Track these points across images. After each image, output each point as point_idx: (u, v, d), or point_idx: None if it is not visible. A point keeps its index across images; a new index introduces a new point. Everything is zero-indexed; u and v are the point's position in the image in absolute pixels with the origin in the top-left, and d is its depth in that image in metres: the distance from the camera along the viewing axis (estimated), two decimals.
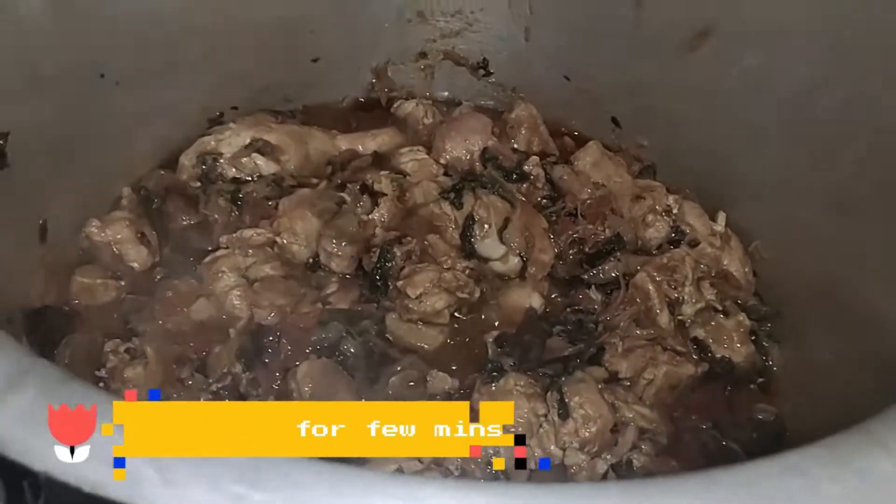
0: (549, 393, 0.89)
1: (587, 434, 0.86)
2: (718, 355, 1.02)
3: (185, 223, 1.09)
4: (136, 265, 1.03)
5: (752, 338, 1.04)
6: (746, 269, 1.10)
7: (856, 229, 0.93)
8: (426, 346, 0.99)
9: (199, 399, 0.90)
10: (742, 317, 1.04)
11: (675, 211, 1.12)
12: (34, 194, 0.93)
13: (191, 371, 0.92)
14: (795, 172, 1.03)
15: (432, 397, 0.91)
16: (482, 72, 1.32)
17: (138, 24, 1.03)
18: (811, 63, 0.97)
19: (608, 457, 0.86)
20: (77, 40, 0.95)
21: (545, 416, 0.88)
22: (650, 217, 1.11)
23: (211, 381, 0.91)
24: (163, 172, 1.13)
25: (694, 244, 1.10)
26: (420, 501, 0.36)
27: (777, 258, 1.08)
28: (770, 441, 0.94)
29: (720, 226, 1.12)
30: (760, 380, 1.01)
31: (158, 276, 1.03)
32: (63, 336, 0.93)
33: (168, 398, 0.90)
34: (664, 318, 1.01)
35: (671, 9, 1.12)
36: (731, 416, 0.97)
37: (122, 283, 1.01)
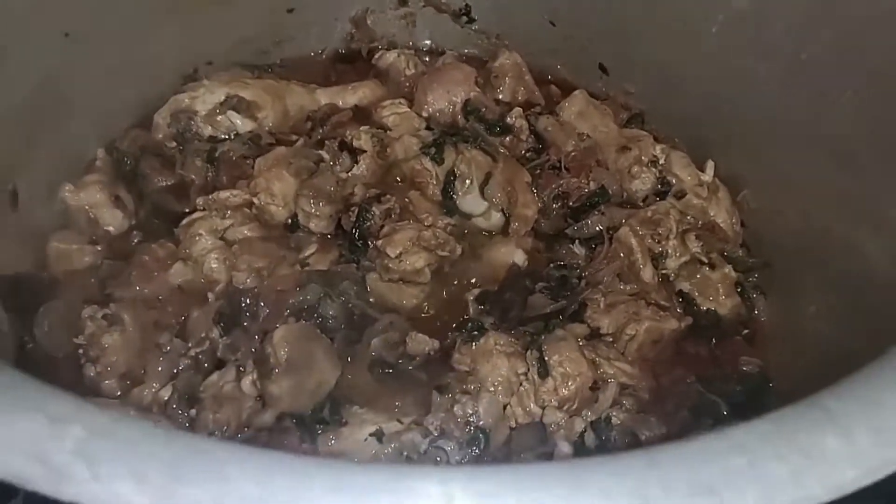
0: (528, 351, 0.88)
1: (566, 392, 0.85)
2: (704, 308, 1.01)
3: (160, 185, 1.07)
4: (111, 229, 1.02)
5: (738, 290, 1.02)
6: (734, 220, 1.08)
7: (849, 178, 0.91)
8: (407, 306, 0.98)
9: (178, 365, 0.90)
10: (728, 269, 1.02)
11: (661, 161, 1.10)
12: (2, 160, 0.91)
13: (170, 336, 0.92)
14: (787, 118, 1.00)
15: (412, 358, 0.91)
16: (465, 19, 1.28)
17: None
18: (798, 5, 0.93)
19: (588, 415, 0.86)
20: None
21: (525, 374, 0.88)
22: (636, 168, 1.09)
23: (190, 345, 0.90)
24: (137, 132, 1.11)
25: (680, 196, 1.07)
26: (343, 487, 0.35)
27: (766, 208, 1.06)
28: (754, 393, 0.93)
29: (708, 175, 1.10)
30: (746, 331, 1.00)
31: (135, 240, 1.01)
32: (41, 303, 0.92)
33: (147, 364, 0.89)
34: (648, 273, 0.99)
35: None
36: (716, 370, 0.97)
37: (99, 248, 1.00)
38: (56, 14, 0.95)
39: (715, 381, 0.94)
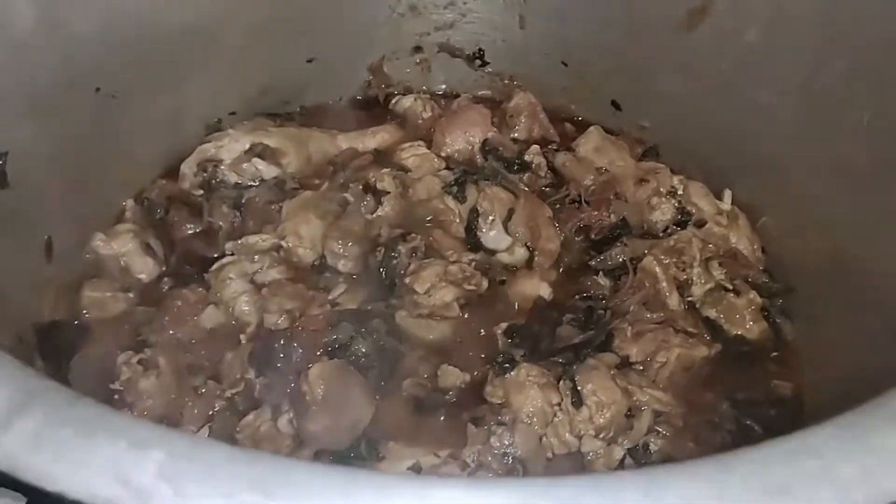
0: (561, 382, 0.89)
1: (601, 420, 0.86)
2: (732, 334, 1.02)
3: (189, 232, 1.09)
4: (143, 276, 1.04)
5: (765, 314, 1.03)
6: (755, 247, 1.09)
7: (863, 201, 0.92)
8: (436, 340, 0.98)
9: (214, 406, 0.90)
10: (753, 294, 1.03)
11: (679, 192, 1.12)
12: (37, 212, 0.94)
13: (204, 379, 0.92)
14: (801, 147, 1.02)
15: (444, 392, 0.91)
16: (478, 62, 1.32)
17: (129, 36, 1.02)
18: (810, 37, 0.97)
19: (624, 442, 0.86)
20: (70, 56, 0.95)
21: (559, 405, 0.88)
22: (655, 200, 1.10)
23: (224, 387, 0.91)
24: (164, 182, 1.14)
25: (701, 224, 1.09)
26: (432, 501, 0.36)
27: (785, 234, 1.07)
28: (788, 417, 0.93)
29: (727, 204, 1.12)
30: (774, 354, 1.00)
31: (166, 287, 1.03)
32: (75, 350, 0.93)
33: (183, 407, 0.90)
34: (674, 301, 1.00)
35: None
36: (749, 395, 0.97)
37: (131, 295, 1.02)
38: (90, 70, 0.98)
39: (748, 405, 0.94)
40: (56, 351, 0.92)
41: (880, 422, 0.43)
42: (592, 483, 0.37)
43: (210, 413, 0.90)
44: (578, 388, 0.88)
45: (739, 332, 1.01)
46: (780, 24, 0.99)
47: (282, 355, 0.94)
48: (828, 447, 0.41)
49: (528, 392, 0.88)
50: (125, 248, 1.03)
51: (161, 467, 0.36)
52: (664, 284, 1.00)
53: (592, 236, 1.09)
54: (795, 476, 0.38)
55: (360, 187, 1.10)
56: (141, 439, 0.38)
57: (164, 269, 1.05)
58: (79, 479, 0.36)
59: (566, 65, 1.26)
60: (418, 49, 1.31)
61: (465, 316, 1.01)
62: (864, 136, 0.91)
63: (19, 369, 0.44)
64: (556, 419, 0.87)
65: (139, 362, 0.91)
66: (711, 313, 1.03)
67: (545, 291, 1.04)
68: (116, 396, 0.90)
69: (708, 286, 1.02)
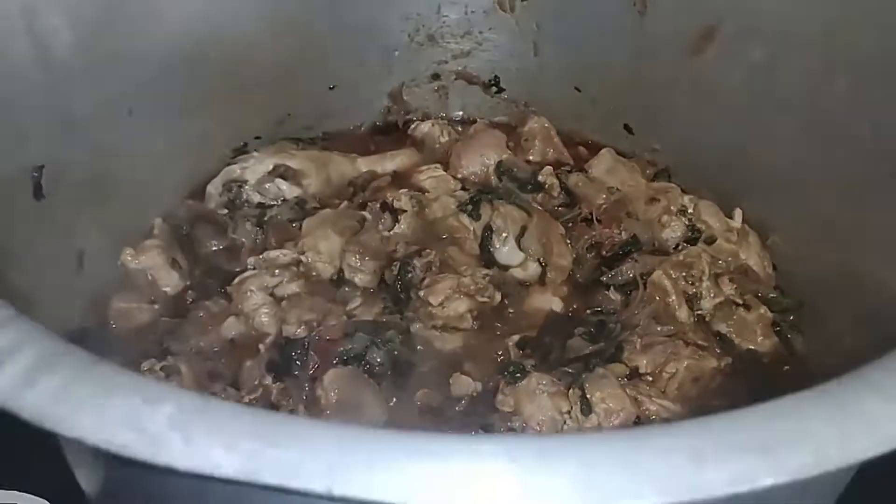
0: (571, 390, 0.90)
1: (610, 427, 0.87)
2: (743, 348, 1.02)
3: (213, 248, 1.13)
4: (168, 289, 1.08)
5: (776, 329, 1.04)
6: (766, 264, 1.10)
7: (868, 215, 0.94)
8: (450, 352, 1.01)
9: None
10: (763, 309, 1.04)
11: (690, 210, 1.14)
12: (70, 225, 0.98)
13: (223, 385, 0.95)
14: (808, 164, 1.04)
15: (456, 401, 0.93)
16: (494, 89, 1.36)
17: (162, 63, 1.08)
18: (814, 55, 0.99)
19: None
20: (106, 79, 1.01)
21: (568, 412, 0.89)
22: (665, 218, 1.13)
23: (243, 393, 0.94)
24: (192, 202, 1.18)
25: (711, 241, 1.11)
26: (423, 455, 0.38)
27: (795, 250, 1.09)
28: None
29: (737, 222, 1.13)
30: (786, 367, 1.01)
31: (190, 299, 1.07)
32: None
33: None
34: (683, 313, 1.02)
35: (674, 14, 1.15)
36: None
37: (157, 307, 1.05)
38: (125, 94, 1.04)
39: None
40: None
41: (859, 390, 0.45)
42: (567, 443, 0.39)
43: None
44: (587, 395, 0.89)
45: (751, 347, 1.02)
46: (785, 43, 1.02)
47: (298, 363, 0.96)
48: (806, 411, 0.43)
49: (538, 400, 0.90)
50: (152, 263, 1.08)
51: (171, 419, 0.39)
52: (673, 298, 1.02)
53: (604, 253, 1.11)
54: (773, 436, 0.40)
55: (378, 206, 1.14)
56: (154, 395, 0.41)
57: (188, 282, 1.09)
58: (97, 427, 0.39)
59: (579, 90, 1.30)
60: (436, 76, 1.36)
61: (478, 328, 1.03)
62: (866, 150, 0.93)
63: (45, 334, 0.47)
64: (566, 426, 0.89)
65: (162, 368, 0.95)
66: (722, 327, 1.04)
67: (557, 306, 1.06)
68: None
69: (717, 300, 1.04)
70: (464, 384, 0.95)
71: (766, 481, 0.38)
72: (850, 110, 0.96)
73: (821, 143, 1.01)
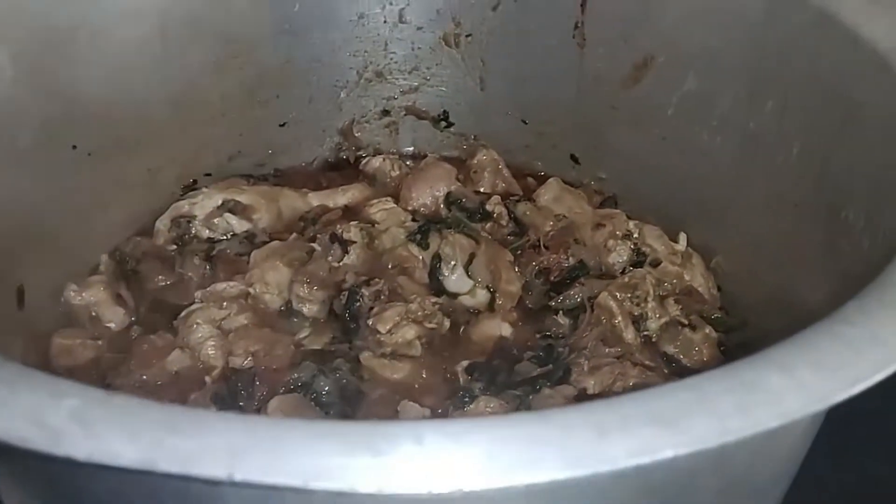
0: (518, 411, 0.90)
1: None
2: (690, 368, 1.03)
3: (161, 284, 1.12)
4: (112, 325, 1.06)
5: (721, 348, 1.05)
6: (710, 284, 1.12)
7: (798, 233, 0.96)
8: (399, 379, 1.00)
9: None
10: (708, 329, 1.05)
11: (635, 235, 1.16)
12: (9, 261, 0.97)
13: None
14: (743, 186, 1.07)
15: None
16: (444, 123, 1.39)
17: (108, 100, 1.09)
18: (741, 80, 1.03)
19: None
20: (50, 113, 1.01)
21: None
22: (611, 242, 1.14)
23: None
24: (139, 239, 1.18)
25: (656, 264, 1.12)
26: (339, 439, 0.38)
27: (737, 271, 1.11)
28: None
29: (682, 246, 1.15)
30: None
31: (135, 335, 1.05)
32: None
33: None
34: (629, 334, 1.02)
35: (611, 47, 1.19)
36: None
37: (101, 343, 1.04)
38: (68, 128, 1.04)
39: None
40: None
41: (762, 367, 0.46)
42: (475, 424, 0.39)
43: None
44: None
45: (697, 366, 1.03)
46: (714, 69, 1.05)
47: (244, 393, 0.95)
48: (710, 387, 0.44)
49: None
50: (96, 298, 1.06)
51: (73, 412, 0.39)
52: (619, 319, 1.03)
53: (552, 278, 1.12)
54: (675, 409, 0.41)
55: (328, 237, 1.14)
56: (59, 391, 0.41)
57: (133, 318, 1.08)
58: None
59: (526, 122, 1.33)
60: (386, 112, 1.38)
61: (428, 355, 1.03)
62: (795, 169, 0.96)
63: None
64: None
65: None
66: (669, 348, 1.05)
67: (507, 331, 1.07)
68: None
69: (663, 320, 1.05)
70: (412, 411, 0.94)
71: (668, 453, 0.38)
72: (778, 133, 1.00)
73: (753, 167, 1.04)
